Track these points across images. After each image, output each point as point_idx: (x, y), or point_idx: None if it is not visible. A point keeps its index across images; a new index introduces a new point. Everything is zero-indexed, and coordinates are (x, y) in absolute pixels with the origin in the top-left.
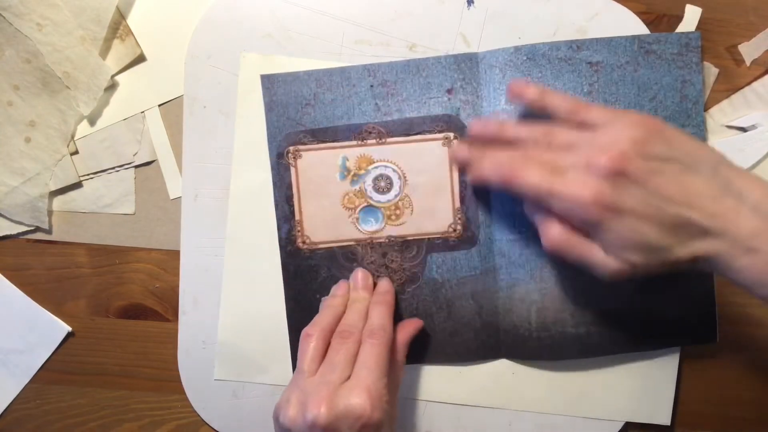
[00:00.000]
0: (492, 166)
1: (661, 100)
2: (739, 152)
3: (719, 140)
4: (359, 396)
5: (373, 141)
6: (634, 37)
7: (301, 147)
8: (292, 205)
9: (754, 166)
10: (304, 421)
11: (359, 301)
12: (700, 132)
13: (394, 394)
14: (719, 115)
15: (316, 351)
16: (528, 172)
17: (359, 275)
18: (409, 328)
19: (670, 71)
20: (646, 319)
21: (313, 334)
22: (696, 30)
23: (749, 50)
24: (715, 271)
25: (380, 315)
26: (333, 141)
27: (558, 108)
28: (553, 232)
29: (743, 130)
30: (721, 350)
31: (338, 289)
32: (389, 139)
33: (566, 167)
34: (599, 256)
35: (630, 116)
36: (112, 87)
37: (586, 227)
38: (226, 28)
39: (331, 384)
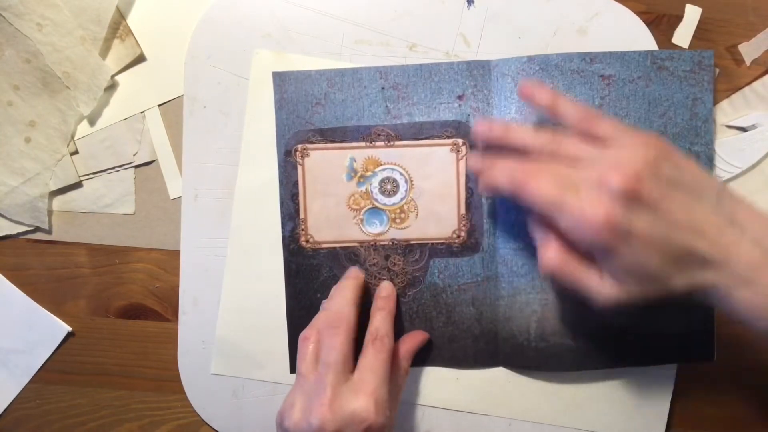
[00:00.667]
0: (503, 173)
1: (671, 116)
2: (739, 152)
3: (719, 140)
4: (364, 400)
5: (382, 143)
6: (647, 53)
7: (309, 146)
8: (297, 204)
9: (754, 166)
10: (309, 425)
11: (347, 287)
12: (708, 150)
13: (395, 402)
14: (719, 115)
15: (314, 354)
16: (540, 182)
17: (351, 269)
18: (415, 339)
19: (681, 88)
20: (645, 336)
21: (310, 336)
22: (697, 30)
23: (749, 50)
24: (712, 303)
25: (383, 320)
26: (341, 141)
27: (568, 115)
28: (550, 253)
29: (743, 129)
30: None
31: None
32: (398, 142)
33: (578, 182)
34: (595, 283)
35: (641, 135)
36: (112, 87)
37: (589, 248)
38: (226, 28)
39: (331, 386)
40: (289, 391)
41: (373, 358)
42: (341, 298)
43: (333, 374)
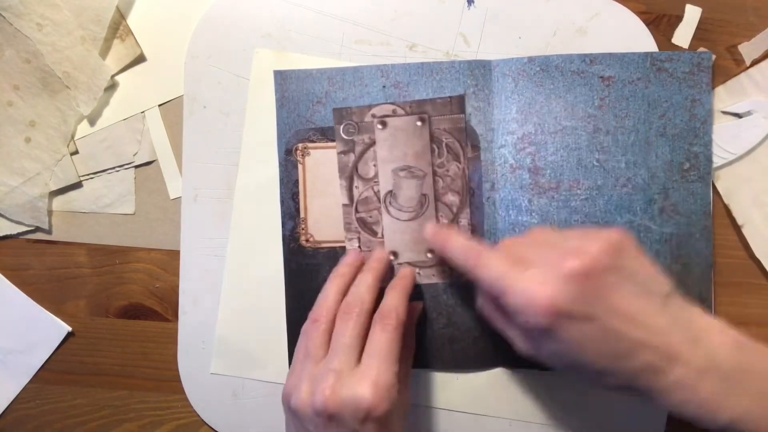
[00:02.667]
0: (459, 247)
1: (671, 117)
2: (734, 138)
3: (715, 126)
4: (365, 388)
5: None
6: (646, 54)
7: (309, 144)
8: (297, 203)
9: (748, 152)
10: (313, 407)
11: (370, 271)
12: (707, 151)
13: (406, 379)
14: (715, 101)
15: (325, 335)
16: (491, 258)
17: (377, 252)
18: (413, 312)
19: (680, 90)
20: None
21: (319, 318)
22: (697, 30)
23: (749, 50)
24: (641, 395)
25: (395, 297)
26: None
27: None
28: (479, 302)
29: (738, 116)
30: None
31: (348, 257)
32: None
33: (531, 261)
34: (518, 341)
35: (608, 231)
36: (112, 87)
37: (529, 328)
38: (226, 28)
39: (337, 372)
40: (292, 367)
41: (379, 339)
42: (362, 285)
43: (339, 360)
